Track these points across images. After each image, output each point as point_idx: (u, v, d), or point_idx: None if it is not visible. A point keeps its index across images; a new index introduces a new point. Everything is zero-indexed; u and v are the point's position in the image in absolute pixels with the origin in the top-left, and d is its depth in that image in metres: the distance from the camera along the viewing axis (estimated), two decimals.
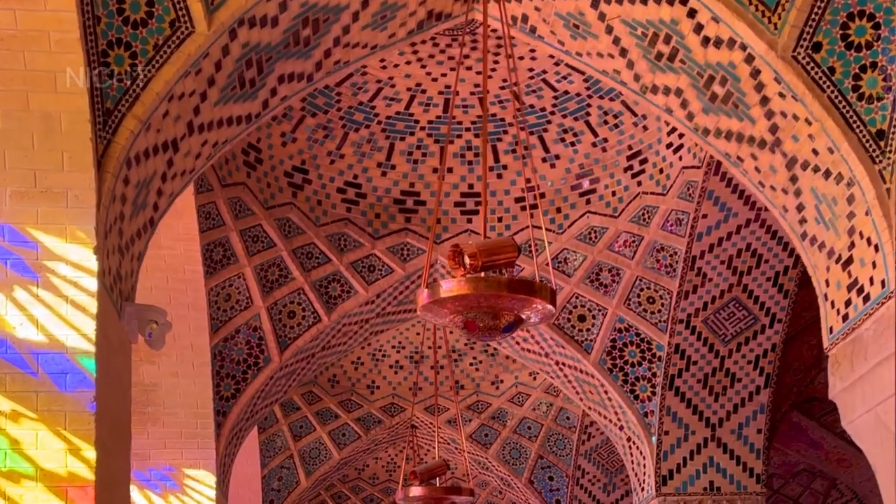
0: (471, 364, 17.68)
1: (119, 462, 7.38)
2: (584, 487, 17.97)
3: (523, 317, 7.29)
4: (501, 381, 17.77)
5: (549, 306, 7.19)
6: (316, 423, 17.72)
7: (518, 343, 13.63)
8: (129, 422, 7.88)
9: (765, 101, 7.38)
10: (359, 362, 17.66)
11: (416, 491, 12.62)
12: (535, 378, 17.49)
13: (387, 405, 17.98)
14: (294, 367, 13.02)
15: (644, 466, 13.13)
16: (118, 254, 7.32)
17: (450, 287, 7.01)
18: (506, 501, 21.83)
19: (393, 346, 17.59)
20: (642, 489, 13.31)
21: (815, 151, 7.30)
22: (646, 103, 8.22)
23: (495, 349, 17.39)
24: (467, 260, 7.10)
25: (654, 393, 12.69)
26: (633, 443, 13.22)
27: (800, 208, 7.67)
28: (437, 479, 13.12)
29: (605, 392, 13.02)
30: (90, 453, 6.70)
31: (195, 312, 11.80)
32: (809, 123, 7.19)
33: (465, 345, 17.41)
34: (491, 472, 18.65)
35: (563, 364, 13.31)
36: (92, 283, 6.80)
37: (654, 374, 12.64)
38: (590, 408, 13.70)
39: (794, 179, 7.65)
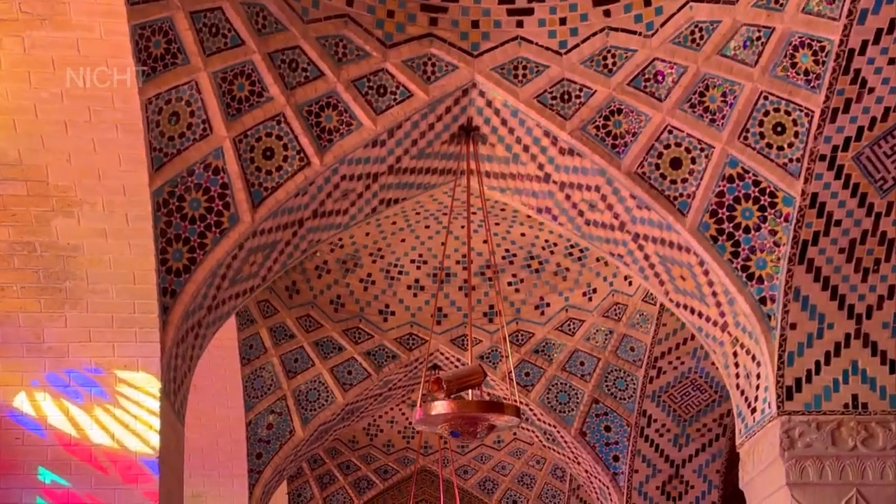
0: (509, 283, 14.04)
1: None
2: (650, 440, 14.26)
3: None
4: (547, 305, 14.09)
5: None
6: (315, 355, 14.05)
7: (581, 214, 9.98)
8: None
9: None
10: (369, 280, 14.02)
11: (440, 407, 8.96)
12: (590, 299, 13.83)
13: (403, 336, 14.32)
14: (274, 237, 9.42)
15: (758, 377, 9.47)
16: None
17: None
18: (545, 472, 18.15)
19: (412, 261, 13.95)
20: (752, 410, 9.64)
21: None
22: None
23: (541, 263, 13.73)
24: None
25: (777, 270, 9.04)
26: (743, 346, 9.56)
27: None
28: (471, 391, 9.47)
29: (706, 273, 9.37)
30: None
31: (127, 136, 8.20)
32: None
33: (504, 258, 13.78)
34: (532, 424, 14.95)
35: (645, 238, 9.66)
36: None
37: (777, 243, 8.99)
38: (678, 304, 10.05)
39: None
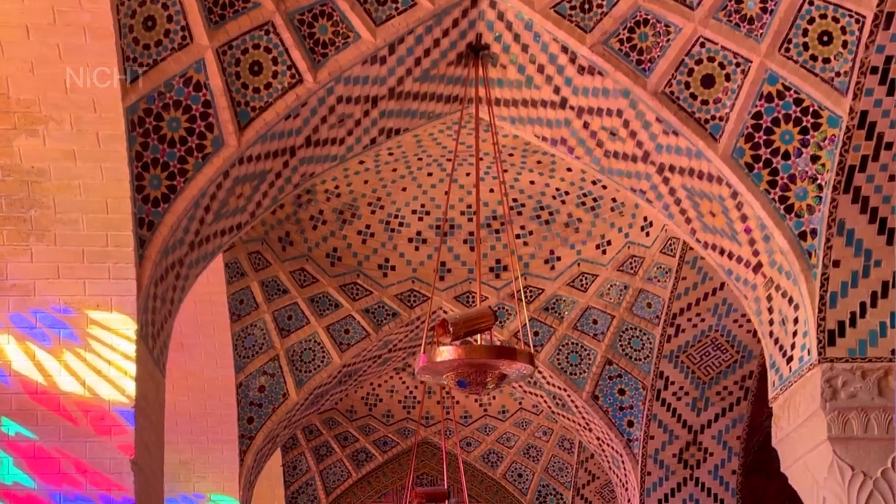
0: (517, 236, 13.16)
1: None
2: (667, 403, 13.39)
3: None
4: (558, 259, 13.21)
5: None
6: (309, 312, 13.18)
7: (601, 144, 9.10)
8: None
9: None
10: (367, 233, 13.14)
11: (446, 353, 8.05)
12: (604, 252, 12.94)
13: (404, 292, 13.45)
14: (263, 165, 8.53)
15: (795, 322, 8.59)
16: None
17: None
18: (552, 443, 17.31)
19: (413, 212, 13.08)
20: (788, 359, 8.77)
21: None
22: None
23: (552, 214, 12.84)
24: None
25: (818, 201, 8.15)
26: (779, 288, 8.68)
27: None
28: (480, 336, 8.59)
29: (739, 206, 8.50)
30: None
31: (97, 42, 7.29)
32: None
33: (512, 209, 12.90)
34: (540, 388, 14.08)
35: (672, 168, 8.78)
36: None
37: (820, 171, 8.11)
38: (706, 244, 9.17)
39: None
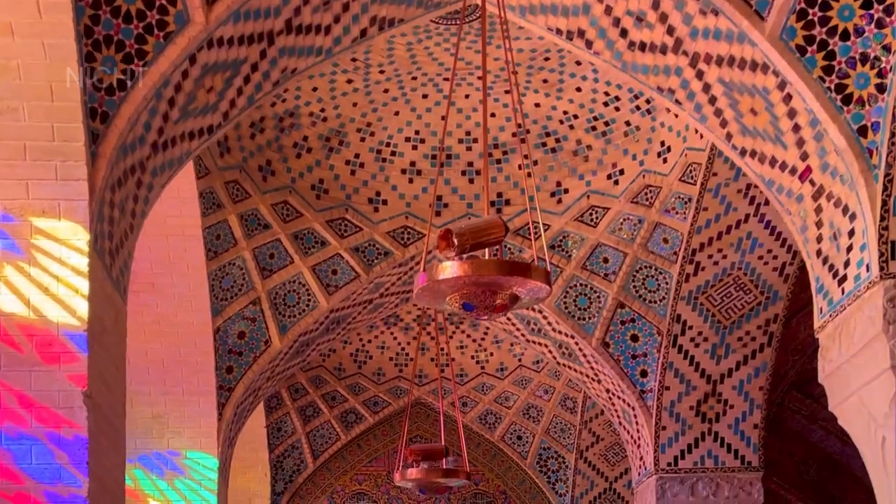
0: (519, 167, 12.00)
1: None
2: (684, 350, 12.26)
3: None
4: (566, 191, 12.05)
5: None
6: (293, 250, 12.01)
7: (625, 34, 7.92)
8: None
9: None
10: (356, 162, 11.98)
11: (450, 269, 6.87)
12: (616, 182, 11.79)
13: (397, 229, 12.29)
14: (237, 53, 7.34)
15: (851, 235, 7.46)
16: None
17: None
18: (554, 403, 16.22)
19: (407, 139, 11.92)
20: (840, 280, 7.63)
21: None
22: None
23: (558, 141, 11.69)
24: None
25: (883, 87, 6.99)
26: (830, 197, 7.54)
27: None
28: (488, 250, 7.41)
29: (787, 98, 7.34)
30: None
31: None
32: None
33: (514, 136, 11.75)
34: (544, 336, 12.95)
35: (707, 59, 7.61)
36: None
37: (884, 53, 6.95)
38: (743, 150, 8.04)
39: None
